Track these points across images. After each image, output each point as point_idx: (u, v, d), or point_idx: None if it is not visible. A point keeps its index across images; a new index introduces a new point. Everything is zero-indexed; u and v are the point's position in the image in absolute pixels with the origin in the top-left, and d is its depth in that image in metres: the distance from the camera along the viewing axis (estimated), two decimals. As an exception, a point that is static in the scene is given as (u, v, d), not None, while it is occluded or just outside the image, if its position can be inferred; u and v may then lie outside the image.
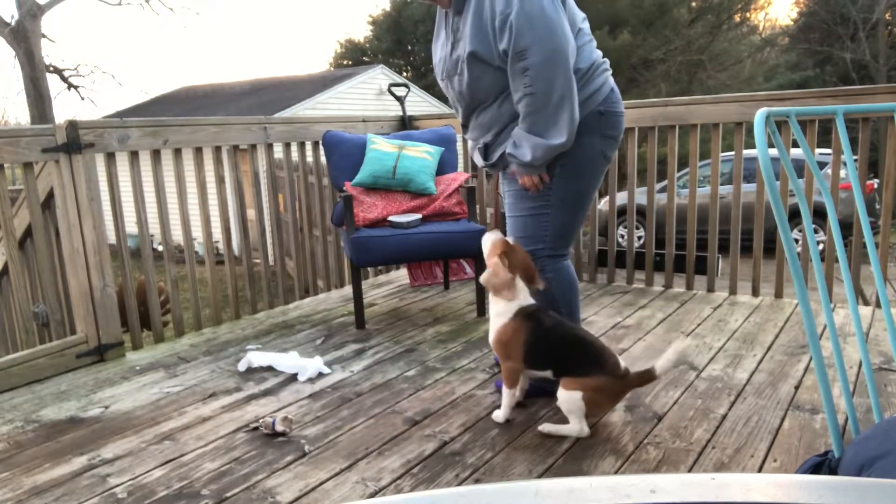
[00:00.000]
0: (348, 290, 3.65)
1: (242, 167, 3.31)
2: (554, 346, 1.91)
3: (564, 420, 1.89)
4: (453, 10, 2.01)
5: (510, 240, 1.99)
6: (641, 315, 3.07)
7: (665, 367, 1.85)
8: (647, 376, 1.86)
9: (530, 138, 1.92)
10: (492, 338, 1.97)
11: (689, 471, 1.70)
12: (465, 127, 2.18)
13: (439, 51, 2.12)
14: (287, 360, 2.50)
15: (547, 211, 2.03)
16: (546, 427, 1.91)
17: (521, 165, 1.97)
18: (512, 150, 1.98)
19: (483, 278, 1.94)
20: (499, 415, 2.00)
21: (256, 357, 2.54)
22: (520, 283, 1.93)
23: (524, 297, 1.94)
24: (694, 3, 17.75)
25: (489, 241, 1.99)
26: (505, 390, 1.97)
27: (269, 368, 2.52)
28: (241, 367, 2.52)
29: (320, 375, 2.43)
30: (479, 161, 2.16)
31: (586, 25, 2.03)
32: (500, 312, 1.94)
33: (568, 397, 1.84)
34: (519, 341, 1.90)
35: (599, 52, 2.05)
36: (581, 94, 1.92)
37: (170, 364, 2.64)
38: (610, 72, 2.05)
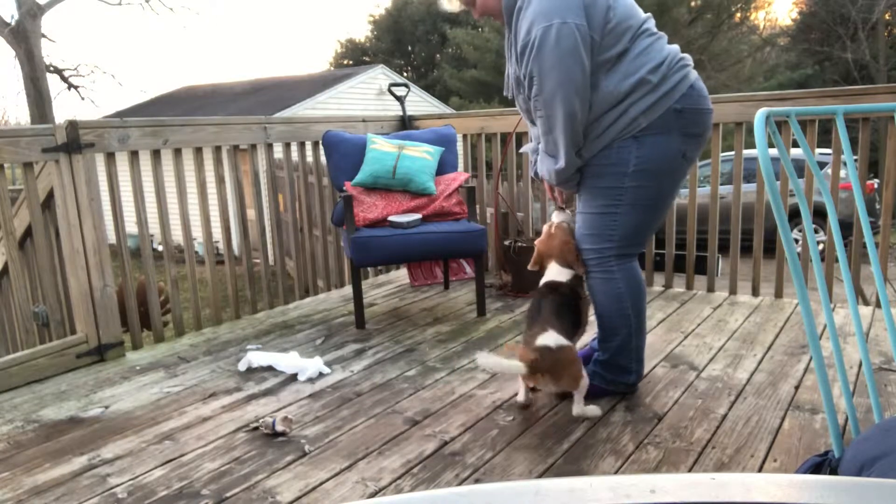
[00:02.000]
0: (348, 290, 3.65)
1: (242, 167, 3.31)
2: (534, 313, 2.09)
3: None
4: (507, 27, 2.06)
5: (564, 225, 2.17)
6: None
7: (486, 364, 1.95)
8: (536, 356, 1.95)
9: (545, 158, 2.05)
10: None
11: (689, 471, 1.70)
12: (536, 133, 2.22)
13: (509, 66, 2.15)
14: (287, 360, 2.50)
15: (617, 211, 2.00)
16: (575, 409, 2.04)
17: (545, 180, 2.13)
18: (538, 167, 2.12)
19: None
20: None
21: (257, 357, 2.54)
22: (553, 265, 2.14)
23: (554, 274, 2.12)
24: (694, 3, 17.75)
25: (547, 225, 2.22)
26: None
27: (270, 368, 2.52)
28: (242, 367, 2.52)
29: (320, 375, 2.43)
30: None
31: (651, 24, 1.99)
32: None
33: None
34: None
35: (672, 48, 1.99)
36: (655, 94, 1.90)
37: (170, 364, 2.64)
38: (690, 67, 1.99)
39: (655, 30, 1.99)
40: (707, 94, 2.01)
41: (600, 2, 1.87)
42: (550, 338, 1.94)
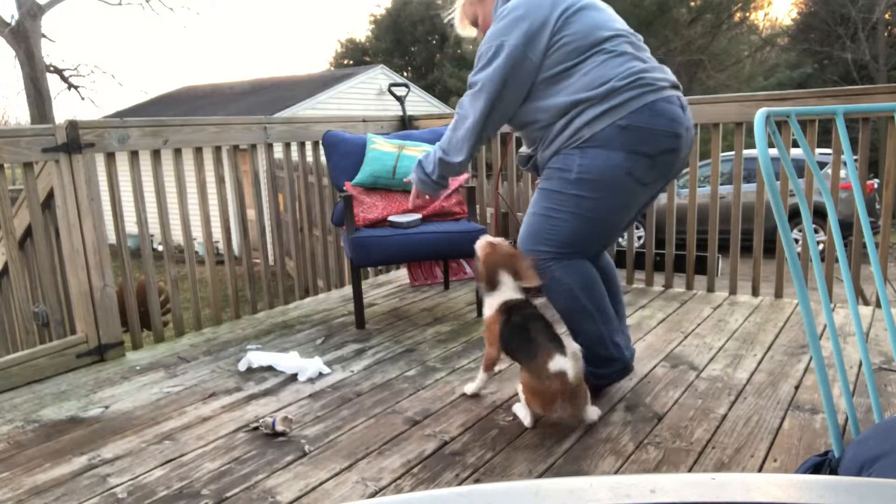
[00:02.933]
0: (348, 290, 3.65)
1: (242, 167, 3.31)
2: (513, 335, 2.00)
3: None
4: None
5: (493, 240, 2.14)
6: (641, 315, 3.07)
7: (574, 374, 1.79)
8: (568, 381, 1.80)
9: (436, 153, 2.23)
10: (484, 325, 2.13)
11: (689, 471, 1.70)
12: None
13: None
14: (287, 361, 2.50)
15: (557, 215, 2.04)
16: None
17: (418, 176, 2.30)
18: (422, 159, 2.27)
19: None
20: (469, 387, 2.21)
21: (256, 357, 2.54)
22: (505, 279, 2.06)
23: (509, 292, 2.05)
24: (693, 3, 17.74)
25: (478, 246, 2.16)
26: (481, 372, 2.17)
27: (270, 368, 2.52)
28: (242, 366, 2.52)
29: (320, 375, 2.43)
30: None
31: (616, 42, 2.02)
32: (488, 303, 2.09)
33: (519, 388, 1.99)
34: (495, 331, 2.04)
35: (635, 66, 1.99)
36: (598, 108, 1.96)
37: (170, 364, 2.64)
38: (651, 88, 1.97)
39: (625, 48, 2.02)
40: (673, 118, 1.99)
41: (547, 27, 2.00)
42: (560, 362, 1.82)
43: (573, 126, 2.00)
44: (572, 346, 1.86)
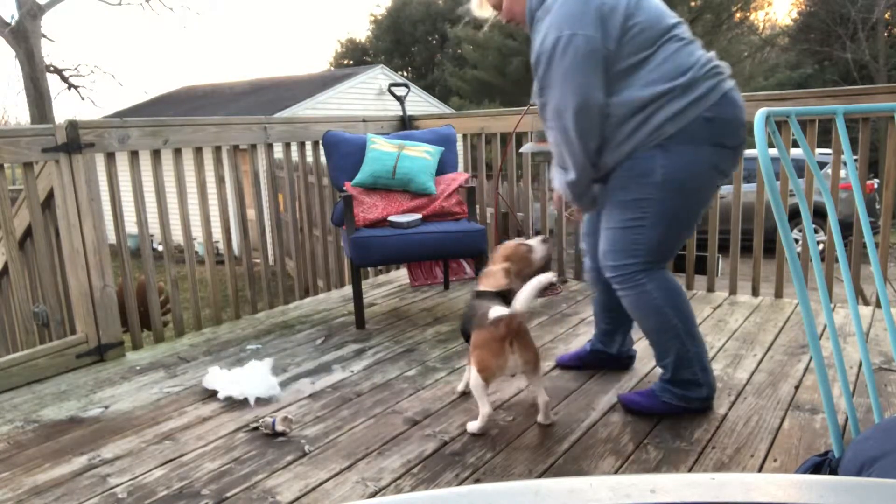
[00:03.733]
0: (348, 290, 3.65)
1: (242, 167, 3.31)
2: (465, 320, 2.08)
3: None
4: (531, 34, 1.99)
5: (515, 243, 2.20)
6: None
7: (523, 302, 1.85)
8: (511, 318, 1.84)
9: (558, 171, 1.99)
10: None
11: (689, 471, 1.70)
12: None
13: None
14: (236, 386, 2.26)
15: (642, 224, 1.89)
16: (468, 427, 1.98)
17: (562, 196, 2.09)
18: (552, 182, 2.07)
19: None
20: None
21: (211, 379, 2.34)
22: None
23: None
24: (693, 3, 17.74)
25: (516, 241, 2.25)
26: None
27: (271, 367, 2.52)
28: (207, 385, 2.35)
29: (321, 376, 2.43)
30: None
31: (681, 29, 1.90)
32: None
33: (469, 377, 1.99)
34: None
35: (703, 55, 1.89)
36: (682, 100, 1.81)
37: (170, 364, 2.64)
38: (724, 75, 1.88)
39: (687, 35, 1.90)
40: (743, 106, 1.91)
41: (619, 11, 1.81)
42: (499, 310, 1.89)
43: (653, 122, 1.82)
44: (498, 312, 1.89)
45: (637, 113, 1.83)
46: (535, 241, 2.24)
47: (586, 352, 2.42)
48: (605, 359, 2.37)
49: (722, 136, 1.86)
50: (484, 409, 1.92)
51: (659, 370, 2.07)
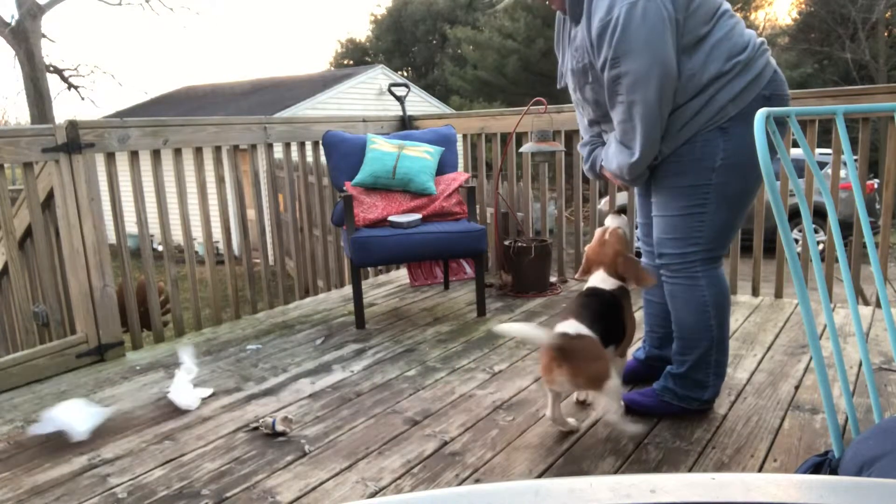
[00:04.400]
0: (348, 290, 3.65)
1: (242, 167, 3.31)
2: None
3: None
4: (570, 17, 1.91)
5: (619, 231, 2.03)
6: (642, 315, 3.06)
7: (577, 329, 1.81)
8: (557, 342, 1.78)
9: (619, 151, 1.87)
10: None
11: (689, 471, 1.70)
12: (593, 125, 2.04)
13: (566, 59, 1.99)
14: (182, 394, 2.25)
15: (704, 210, 1.83)
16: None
17: (615, 176, 1.96)
18: (605, 161, 1.96)
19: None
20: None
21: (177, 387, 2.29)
22: (599, 272, 2.01)
23: (598, 282, 2.00)
24: (694, 3, 17.72)
25: (600, 230, 2.07)
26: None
27: (271, 367, 2.52)
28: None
29: (321, 376, 2.43)
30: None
31: (729, 5, 1.85)
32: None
33: None
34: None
35: (752, 33, 1.84)
36: (743, 78, 1.76)
37: (170, 364, 2.64)
38: (769, 52, 1.84)
39: (733, 13, 1.85)
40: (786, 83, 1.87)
41: None
42: (570, 325, 1.80)
43: (716, 103, 1.75)
44: (566, 328, 1.81)
45: (698, 94, 1.76)
46: (614, 221, 2.07)
47: (639, 362, 2.26)
48: (664, 365, 2.10)
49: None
50: (546, 412, 1.94)
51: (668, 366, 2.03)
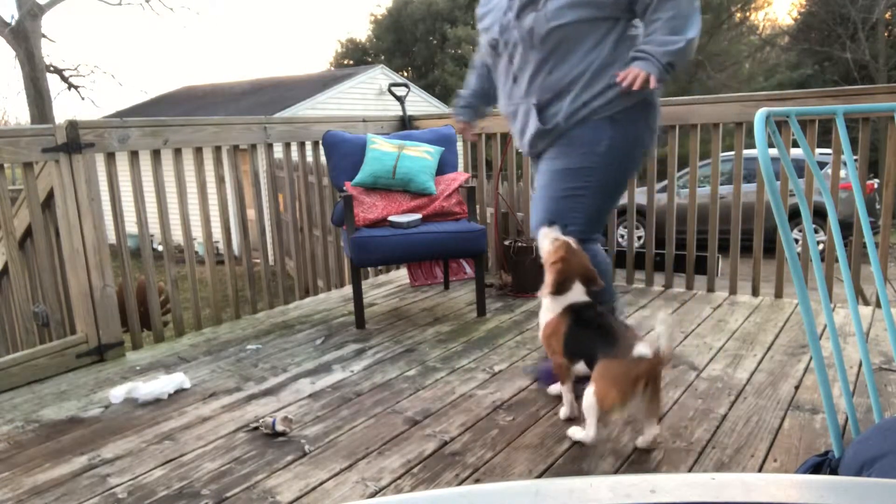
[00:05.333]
0: (348, 290, 3.65)
1: (242, 167, 3.31)
2: (584, 337, 1.86)
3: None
4: None
5: (572, 241, 1.93)
6: (641, 315, 3.07)
7: (668, 345, 1.70)
8: (657, 359, 1.68)
9: (675, 37, 1.92)
10: (542, 335, 1.98)
11: (689, 471, 1.70)
12: (515, 83, 2.07)
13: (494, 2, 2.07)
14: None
15: (584, 193, 1.99)
16: (569, 431, 1.89)
17: (673, 55, 1.91)
18: (666, 38, 1.93)
19: (543, 289, 1.90)
20: (563, 411, 1.97)
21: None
22: (578, 285, 1.91)
23: (577, 295, 1.90)
24: (694, 3, 17.71)
25: (550, 241, 1.94)
26: (561, 388, 1.98)
27: (271, 367, 2.53)
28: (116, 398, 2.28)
29: (321, 376, 2.43)
30: (532, 127, 2.04)
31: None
32: (549, 307, 1.93)
33: (585, 393, 1.75)
34: (560, 335, 1.89)
35: None
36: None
37: (170, 364, 2.64)
38: None
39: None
40: None
41: None
42: (646, 347, 1.68)
43: (613, 94, 1.92)
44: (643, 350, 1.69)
45: (609, 82, 1.93)
46: (554, 231, 1.99)
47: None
48: None
49: (654, 120, 2.03)
50: (590, 432, 1.77)
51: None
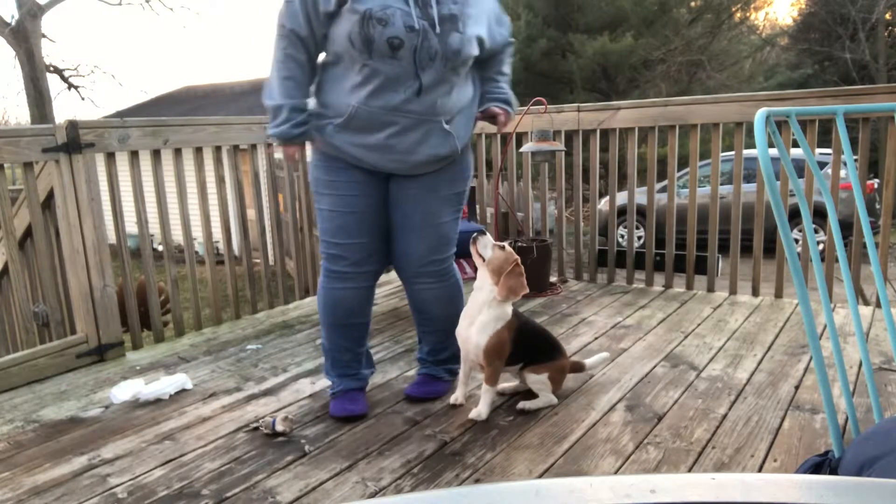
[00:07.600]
0: (348, 290, 3.64)
1: (242, 167, 3.31)
2: (529, 342, 2.08)
3: (534, 397, 2.10)
4: None
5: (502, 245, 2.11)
6: (641, 315, 3.07)
7: (592, 365, 2.31)
8: (579, 366, 2.28)
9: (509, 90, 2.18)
10: (490, 344, 1.98)
11: (689, 471, 1.70)
12: (418, 96, 1.89)
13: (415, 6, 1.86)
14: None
15: (458, 217, 2.15)
16: (522, 404, 2.08)
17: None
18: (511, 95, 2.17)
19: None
20: (482, 412, 2.02)
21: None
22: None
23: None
24: (694, 3, 17.73)
25: (495, 248, 2.05)
26: (489, 389, 2.04)
27: (271, 367, 2.52)
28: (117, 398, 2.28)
29: (321, 376, 2.43)
30: (441, 148, 1.97)
31: None
32: (500, 316, 2.01)
33: (537, 379, 2.08)
34: (510, 341, 2.02)
35: None
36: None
37: (170, 364, 2.64)
38: None
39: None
40: None
41: None
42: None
43: (473, 122, 2.11)
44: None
45: (476, 105, 2.09)
46: (487, 245, 2.07)
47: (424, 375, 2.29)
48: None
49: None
50: (553, 398, 2.13)
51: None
